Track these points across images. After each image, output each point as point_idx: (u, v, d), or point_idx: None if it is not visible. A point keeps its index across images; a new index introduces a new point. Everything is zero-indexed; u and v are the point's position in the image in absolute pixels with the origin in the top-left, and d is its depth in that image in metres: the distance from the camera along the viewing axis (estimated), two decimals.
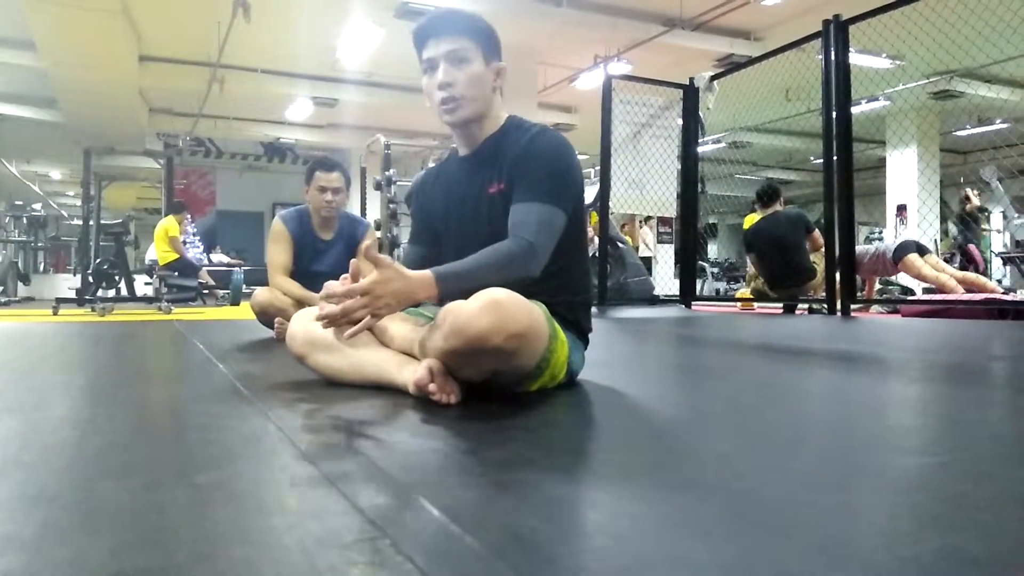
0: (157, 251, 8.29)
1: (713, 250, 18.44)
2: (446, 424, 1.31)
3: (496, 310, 1.28)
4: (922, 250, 5.89)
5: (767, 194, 6.10)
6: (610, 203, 5.86)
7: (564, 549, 0.66)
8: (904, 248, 5.85)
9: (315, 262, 3.18)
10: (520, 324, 1.30)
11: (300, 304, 2.84)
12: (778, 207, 6.24)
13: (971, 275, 6.11)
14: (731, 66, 7.08)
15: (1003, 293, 5.70)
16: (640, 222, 10.81)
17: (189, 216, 9.22)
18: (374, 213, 9.75)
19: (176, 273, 8.03)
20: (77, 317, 5.31)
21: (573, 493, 0.85)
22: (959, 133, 12.83)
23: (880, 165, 12.82)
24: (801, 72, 5.41)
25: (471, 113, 1.64)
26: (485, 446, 1.09)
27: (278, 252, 3.14)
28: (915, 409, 1.54)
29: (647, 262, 11.10)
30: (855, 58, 5.02)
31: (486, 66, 1.64)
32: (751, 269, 6.42)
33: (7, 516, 0.77)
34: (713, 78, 6.19)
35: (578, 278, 1.69)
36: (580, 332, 1.68)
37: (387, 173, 7.87)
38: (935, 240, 9.03)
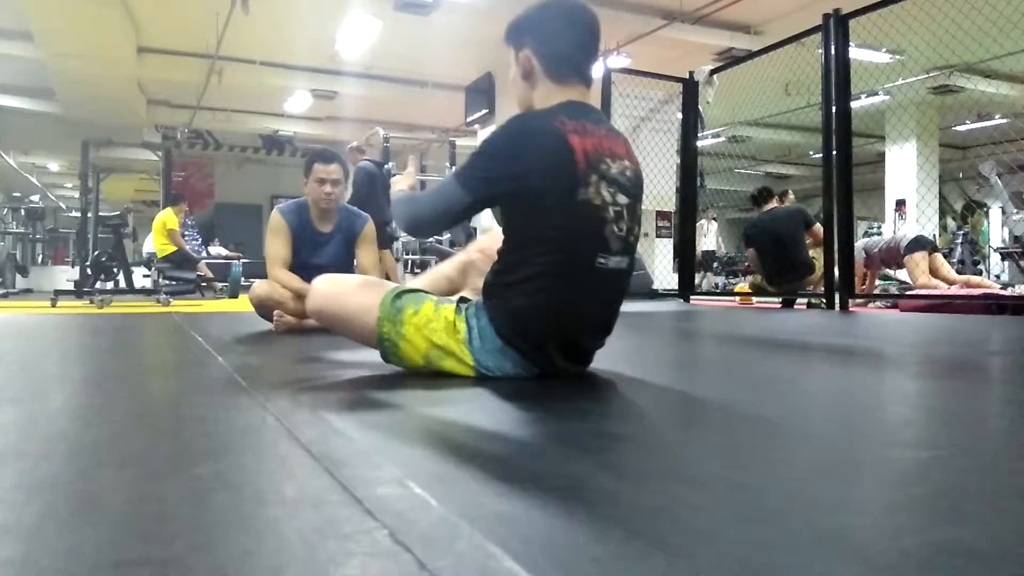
0: (155, 243, 8.27)
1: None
2: (445, 416, 1.31)
3: (311, 294, 1.75)
4: (933, 249, 5.96)
5: (761, 195, 6.29)
6: None
7: (562, 540, 0.66)
8: (917, 244, 5.89)
9: (314, 255, 3.17)
10: (314, 304, 1.73)
11: (299, 297, 2.83)
12: (775, 203, 6.27)
13: (973, 279, 6.18)
14: (731, 60, 7.08)
15: (1001, 289, 5.73)
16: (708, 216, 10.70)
17: (187, 208, 9.19)
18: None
19: (174, 265, 8.03)
20: (75, 309, 5.30)
21: (571, 484, 0.85)
22: (958, 128, 12.81)
23: (879, 160, 12.81)
24: (801, 66, 5.40)
25: (518, 108, 1.71)
26: (484, 437, 1.10)
27: (276, 245, 3.12)
28: (914, 403, 1.54)
29: (710, 256, 10.89)
30: (855, 53, 5.01)
31: (516, 63, 1.69)
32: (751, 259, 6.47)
33: (6, 506, 0.77)
34: (713, 72, 6.18)
35: (521, 286, 1.54)
36: (505, 334, 1.55)
37: (386, 166, 7.85)
38: (934, 235, 9.03)
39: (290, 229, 3.14)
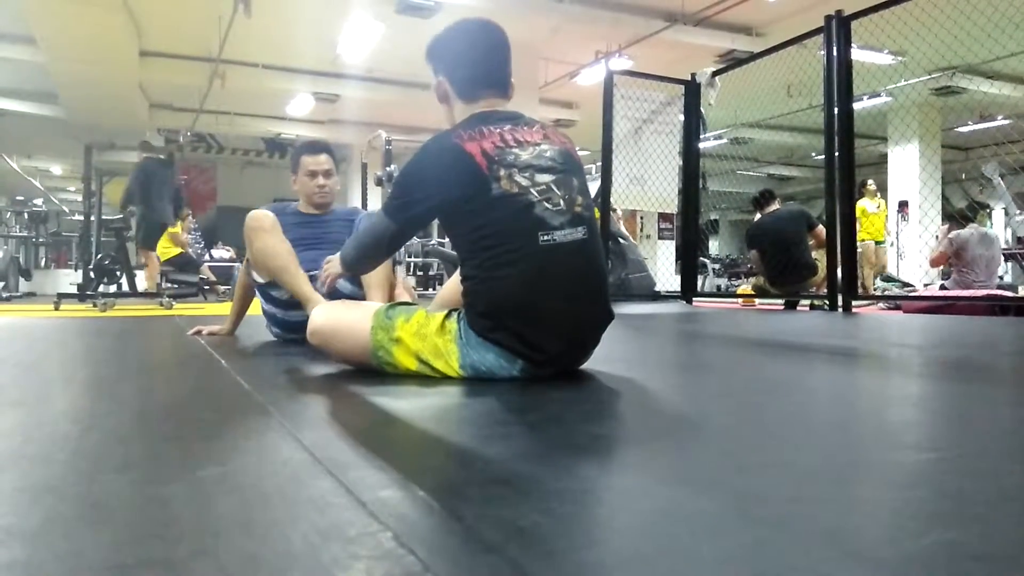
0: (158, 246, 8.28)
1: (714, 246, 18.44)
2: (449, 419, 1.31)
3: (311, 319, 1.82)
4: None
5: (763, 197, 6.31)
6: (611, 199, 5.86)
7: (565, 543, 0.66)
8: None
9: (307, 237, 2.72)
10: (313, 326, 1.79)
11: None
12: (776, 206, 6.28)
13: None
14: (733, 62, 7.09)
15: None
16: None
17: (191, 214, 9.20)
18: (375, 209, 9.72)
19: (177, 268, 8.04)
20: (78, 312, 5.31)
21: (575, 487, 0.85)
22: (961, 129, 12.81)
23: (882, 161, 12.82)
24: (803, 68, 5.40)
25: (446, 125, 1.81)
26: (487, 441, 1.10)
27: (272, 242, 2.55)
28: (917, 405, 1.54)
29: None
30: (857, 54, 5.01)
31: (434, 86, 1.83)
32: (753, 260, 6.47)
33: (10, 508, 0.77)
34: (715, 74, 6.18)
35: (476, 285, 1.62)
36: (480, 331, 1.60)
37: (388, 169, 7.85)
38: (936, 237, 9.01)
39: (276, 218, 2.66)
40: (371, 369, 1.71)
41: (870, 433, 1.19)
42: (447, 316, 1.66)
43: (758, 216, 6.41)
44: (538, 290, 1.58)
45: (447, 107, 1.82)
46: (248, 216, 2.59)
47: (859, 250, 6.08)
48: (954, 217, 6.37)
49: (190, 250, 8.41)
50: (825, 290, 5.09)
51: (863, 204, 8.75)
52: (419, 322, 1.66)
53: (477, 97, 1.76)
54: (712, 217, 12.15)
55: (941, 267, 6.32)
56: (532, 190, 1.61)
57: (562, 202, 1.63)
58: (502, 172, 1.60)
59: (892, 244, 8.67)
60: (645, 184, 6.03)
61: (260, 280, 2.66)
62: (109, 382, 1.80)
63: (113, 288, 6.83)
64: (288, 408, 1.33)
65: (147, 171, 7.29)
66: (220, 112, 12.92)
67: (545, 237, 1.58)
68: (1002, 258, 6.14)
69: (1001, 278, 8.72)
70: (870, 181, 9.04)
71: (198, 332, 2.89)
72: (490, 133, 1.65)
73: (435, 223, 8.25)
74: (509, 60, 1.80)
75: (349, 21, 8.83)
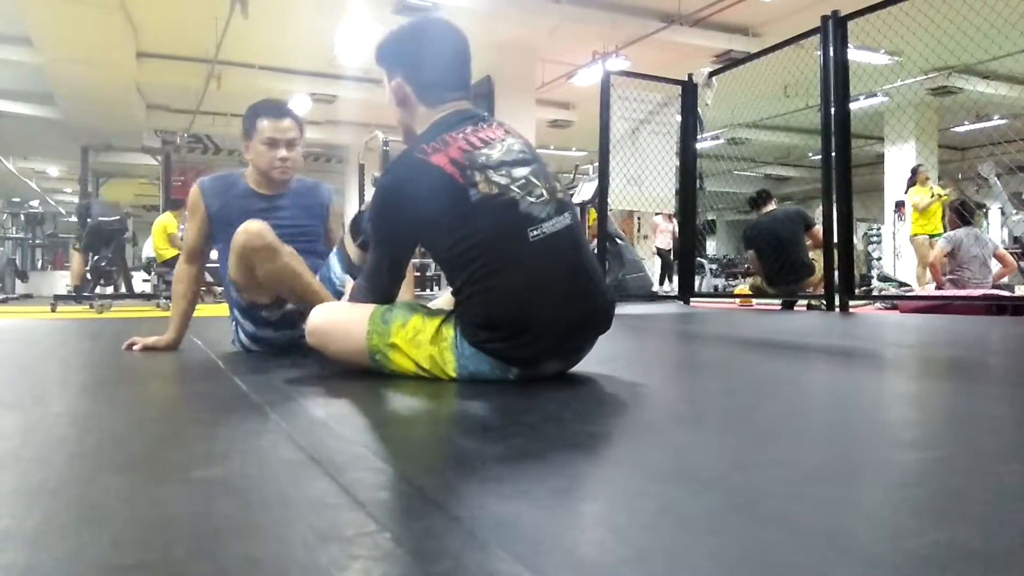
0: (155, 248, 8.27)
1: (711, 247, 18.46)
2: (447, 418, 1.31)
3: (309, 319, 1.77)
4: None
5: (759, 197, 6.34)
6: (609, 200, 5.86)
7: (564, 541, 0.66)
8: None
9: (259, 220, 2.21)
10: (311, 326, 1.74)
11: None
12: (772, 206, 6.30)
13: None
14: (730, 62, 7.09)
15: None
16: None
17: (187, 214, 9.20)
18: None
19: (174, 270, 8.04)
20: (75, 314, 5.30)
21: (573, 486, 0.85)
22: (957, 129, 12.85)
23: (878, 161, 12.85)
24: (800, 68, 5.40)
25: (402, 135, 1.79)
26: (486, 440, 1.09)
27: (190, 230, 2.43)
28: (914, 404, 1.54)
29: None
30: (853, 54, 5.01)
31: (388, 87, 1.75)
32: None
33: (8, 511, 0.77)
34: (712, 74, 6.18)
35: (468, 299, 1.57)
36: (475, 342, 1.57)
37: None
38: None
39: (208, 211, 2.37)
40: (368, 370, 1.71)
41: (868, 432, 1.19)
42: (443, 321, 1.61)
43: (755, 216, 6.43)
44: (533, 292, 1.54)
45: (405, 111, 1.73)
46: (242, 233, 2.09)
47: (855, 247, 6.08)
48: (956, 210, 6.42)
49: None
50: (822, 290, 5.10)
51: (911, 194, 8.44)
52: (415, 328, 1.61)
53: (442, 102, 1.69)
54: (709, 217, 12.17)
55: (939, 270, 6.36)
56: (512, 186, 1.56)
57: (544, 192, 1.59)
58: (477, 176, 1.54)
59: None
60: (642, 184, 6.03)
61: (259, 302, 2.27)
62: (106, 384, 1.80)
63: (110, 290, 6.83)
64: (286, 409, 1.33)
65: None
66: (217, 113, 12.91)
67: (535, 232, 1.54)
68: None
69: None
70: (922, 167, 8.69)
71: (130, 346, 2.40)
72: (453, 140, 1.59)
73: None
74: (470, 60, 1.75)
75: (346, 22, 8.82)
